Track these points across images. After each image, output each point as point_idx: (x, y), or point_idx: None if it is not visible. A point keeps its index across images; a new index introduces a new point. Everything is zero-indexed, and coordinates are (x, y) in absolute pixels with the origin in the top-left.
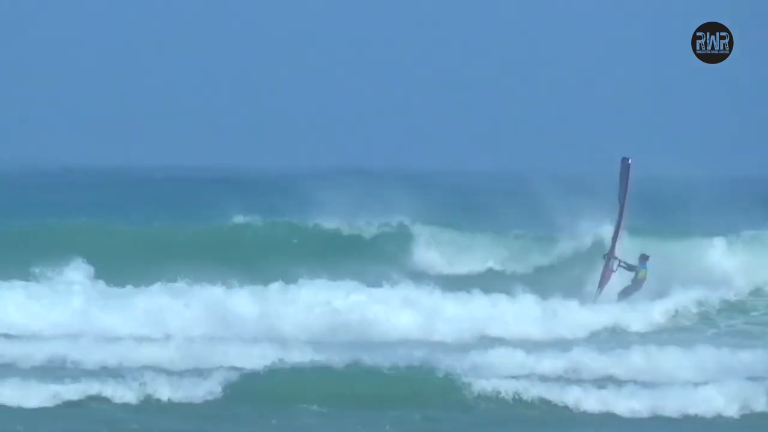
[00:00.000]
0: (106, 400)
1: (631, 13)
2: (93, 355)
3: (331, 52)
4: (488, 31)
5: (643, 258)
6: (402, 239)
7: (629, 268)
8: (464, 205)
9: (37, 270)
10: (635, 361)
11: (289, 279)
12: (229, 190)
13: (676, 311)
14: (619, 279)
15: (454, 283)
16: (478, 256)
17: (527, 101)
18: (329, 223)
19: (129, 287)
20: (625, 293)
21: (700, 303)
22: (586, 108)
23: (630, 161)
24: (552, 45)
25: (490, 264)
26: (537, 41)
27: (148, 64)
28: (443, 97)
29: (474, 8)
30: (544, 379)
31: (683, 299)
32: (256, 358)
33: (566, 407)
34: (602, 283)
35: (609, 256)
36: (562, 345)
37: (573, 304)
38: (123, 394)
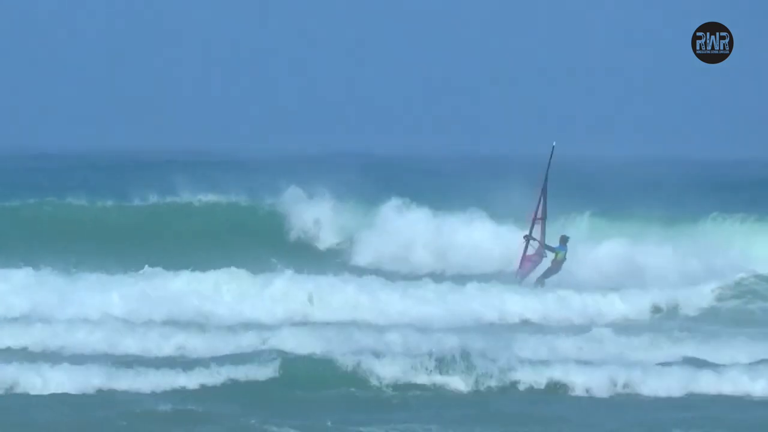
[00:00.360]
0: (134, 388)
1: (631, 12)
2: (117, 342)
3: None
4: (484, 31)
5: (563, 240)
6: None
7: (548, 249)
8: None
9: (37, 255)
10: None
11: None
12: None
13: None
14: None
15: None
16: (469, 238)
17: (528, 99)
18: (305, 208)
19: (130, 272)
20: (545, 275)
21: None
22: (586, 106)
23: (554, 144)
24: (552, 44)
25: (486, 248)
26: (538, 40)
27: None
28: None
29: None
30: (585, 363)
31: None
32: (294, 344)
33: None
34: (522, 265)
35: (527, 238)
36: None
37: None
38: (159, 381)
